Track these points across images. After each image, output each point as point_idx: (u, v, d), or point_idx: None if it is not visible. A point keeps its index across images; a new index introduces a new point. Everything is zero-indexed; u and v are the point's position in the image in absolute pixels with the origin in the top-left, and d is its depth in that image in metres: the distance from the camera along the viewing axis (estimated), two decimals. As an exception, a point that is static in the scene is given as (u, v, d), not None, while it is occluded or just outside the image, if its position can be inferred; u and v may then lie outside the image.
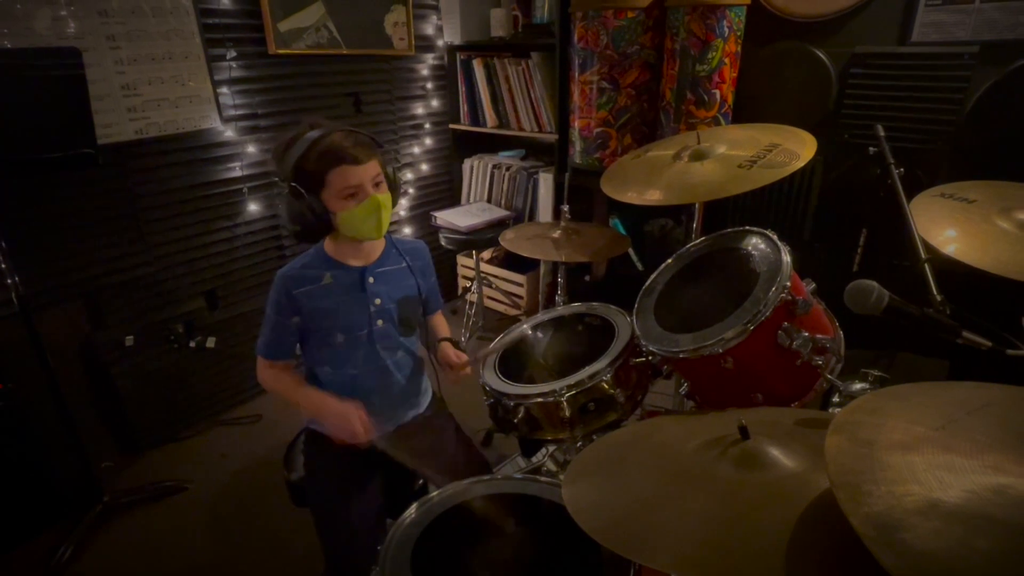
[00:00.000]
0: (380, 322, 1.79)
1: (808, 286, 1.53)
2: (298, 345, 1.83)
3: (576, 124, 3.14)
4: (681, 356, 1.49)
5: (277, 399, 1.84)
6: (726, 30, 2.59)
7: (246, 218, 3.22)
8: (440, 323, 2.05)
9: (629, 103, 2.96)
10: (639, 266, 3.41)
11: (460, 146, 4.35)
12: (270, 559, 2.43)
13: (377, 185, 1.68)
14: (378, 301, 1.78)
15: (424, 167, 4.19)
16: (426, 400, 2.00)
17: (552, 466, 2.23)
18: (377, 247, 1.84)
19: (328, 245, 1.77)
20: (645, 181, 2.03)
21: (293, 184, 1.60)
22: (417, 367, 1.95)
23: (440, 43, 4.02)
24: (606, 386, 1.73)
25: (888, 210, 1.84)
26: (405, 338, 1.88)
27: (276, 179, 1.71)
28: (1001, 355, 1.35)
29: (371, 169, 1.65)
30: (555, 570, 1.34)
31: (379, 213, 1.68)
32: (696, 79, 2.68)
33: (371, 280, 1.78)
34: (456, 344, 1.91)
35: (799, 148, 1.83)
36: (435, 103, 4.13)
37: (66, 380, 2.53)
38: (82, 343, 2.80)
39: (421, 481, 1.99)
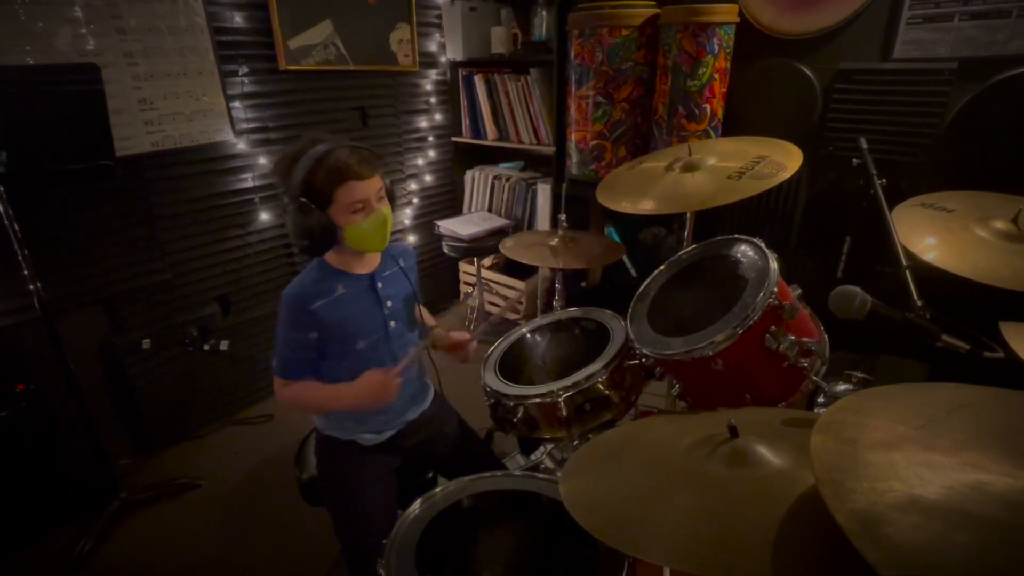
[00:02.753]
0: (393, 323, 1.78)
1: (794, 292, 1.53)
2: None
3: (573, 137, 3.14)
4: (673, 358, 1.50)
5: (303, 413, 1.79)
6: (716, 47, 2.59)
7: (258, 226, 3.22)
8: (425, 314, 2.04)
9: (623, 117, 2.97)
10: (633, 273, 3.42)
11: (462, 158, 4.35)
12: (281, 553, 2.43)
13: (380, 199, 1.67)
14: (389, 304, 1.78)
15: (427, 178, 4.19)
16: (430, 395, 2.00)
17: (550, 463, 2.24)
18: (376, 255, 1.82)
19: (331, 257, 1.74)
20: (639, 191, 2.03)
21: (302, 200, 1.57)
22: (422, 363, 1.94)
23: (443, 59, 4.02)
24: (601, 387, 1.74)
25: (871, 219, 1.85)
26: (412, 334, 1.87)
27: (280, 192, 1.69)
28: (979, 357, 1.35)
29: (375, 184, 1.63)
30: (553, 563, 1.34)
31: (384, 226, 1.67)
32: (687, 94, 2.68)
33: (380, 285, 1.77)
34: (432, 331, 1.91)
35: (786, 160, 1.84)
36: (438, 117, 4.13)
37: (86, 381, 2.52)
38: (101, 346, 2.79)
39: (430, 474, 1.99)
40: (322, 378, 1.76)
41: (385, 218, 1.67)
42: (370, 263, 1.80)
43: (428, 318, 2.03)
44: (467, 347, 1.87)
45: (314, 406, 1.80)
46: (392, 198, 1.74)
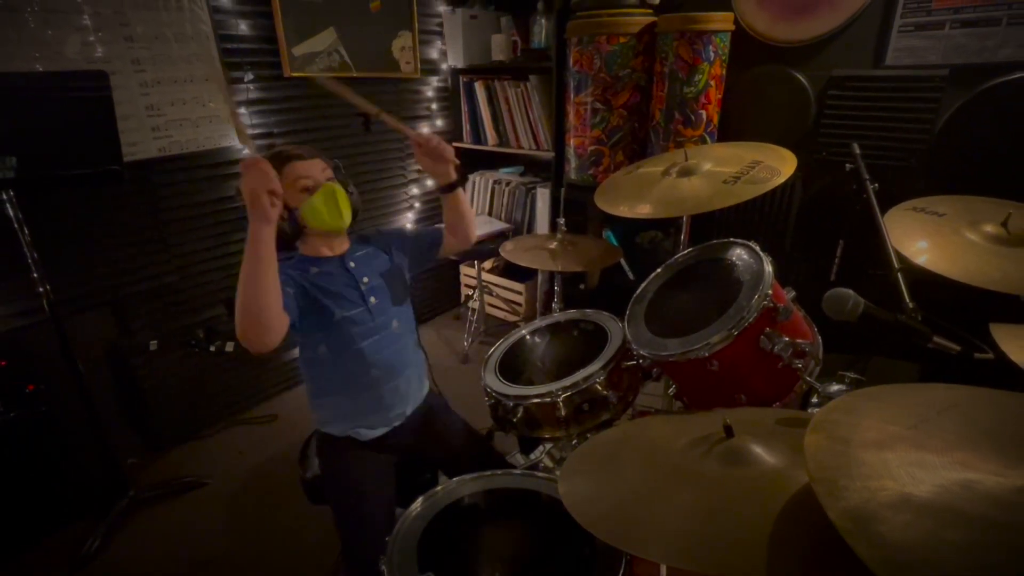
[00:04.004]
0: (374, 299, 1.79)
1: (788, 294, 1.53)
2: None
3: (571, 142, 3.14)
4: (670, 359, 1.50)
5: (244, 309, 1.50)
6: (712, 54, 2.60)
7: (263, 230, 3.22)
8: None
9: (621, 123, 2.97)
10: (630, 275, 3.41)
11: (463, 163, 4.33)
12: (284, 550, 2.43)
13: (329, 179, 1.74)
14: (366, 280, 1.79)
15: (429, 183, 4.18)
16: (424, 392, 1.99)
17: (549, 462, 2.23)
18: (344, 240, 1.86)
19: (303, 248, 1.80)
20: (636, 196, 2.03)
21: None
22: (412, 339, 1.93)
23: (444, 66, 4.03)
24: (599, 387, 1.74)
25: (864, 223, 1.85)
26: (397, 307, 1.86)
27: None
28: (969, 359, 1.35)
29: (318, 164, 1.73)
30: (552, 560, 1.34)
31: (335, 198, 1.71)
32: (684, 100, 2.69)
33: (352, 264, 1.80)
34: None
35: (780, 165, 1.84)
36: (440, 123, 4.14)
37: (94, 382, 2.52)
38: (109, 347, 2.79)
39: (429, 475, 1.99)
40: (307, 345, 1.79)
41: (333, 190, 1.72)
42: (339, 247, 1.83)
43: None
44: (432, 146, 1.86)
45: (249, 287, 1.50)
46: (345, 181, 1.80)
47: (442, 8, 3.86)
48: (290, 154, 1.70)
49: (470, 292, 4.37)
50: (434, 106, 4.07)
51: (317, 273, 1.73)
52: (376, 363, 1.79)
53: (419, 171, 4.09)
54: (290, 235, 1.72)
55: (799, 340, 1.45)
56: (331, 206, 1.71)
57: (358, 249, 1.87)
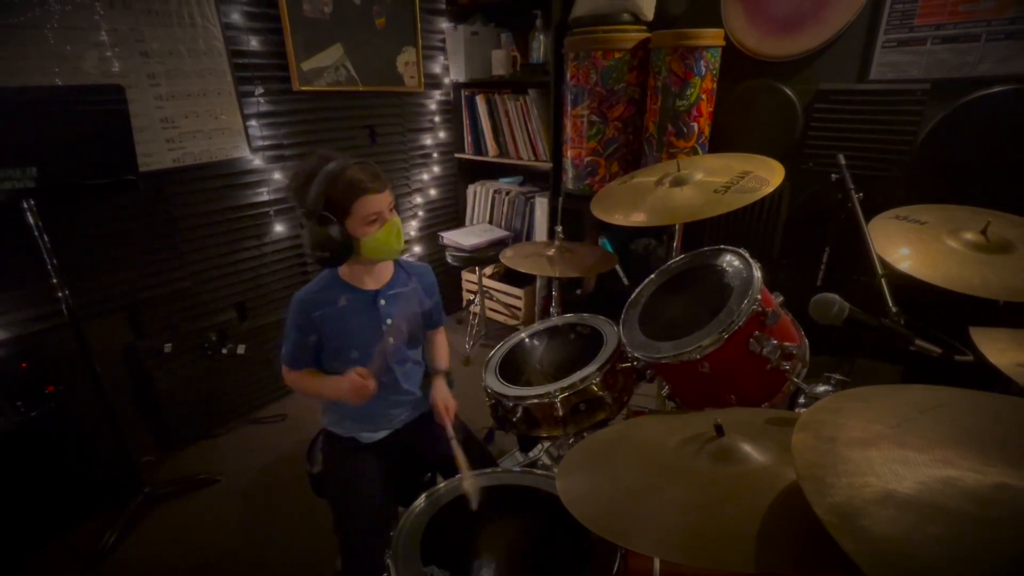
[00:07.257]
0: (392, 339, 1.77)
1: (777, 299, 1.53)
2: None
3: (569, 153, 3.15)
4: (663, 361, 1.50)
5: (300, 395, 1.83)
6: (703, 69, 2.61)
7: (272, 238, 3.23)
8: (440, 343, 2.04)
9: (616, 135, 2.98)
10: (625, 281, 3.41)
11: (465, 173, 4.36)
12: (294, 544, 2.42)
13: (391, 210, 1.69)
14: (389, 321, 1.77)
15: (432, 192, 4.20)
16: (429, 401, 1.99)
17: (547, 460, 2.23)
18: (387, 270, 1.83)
19: (342, 269, 1.77)
20: (631, 205, 2.04)
21: (324, 213, 1.58)
22: (422, 374, 1.95)
23: (447, 81, 4.04)
24: (596, 388, 1.73)
25: (849, 230, 1.85)
26: (412, 351, 1.88)
27: (296, 209, 1.70)
28: (950, 361, 1.36)
29: (387, 197, 1.66)
30: (550, 554, 1.34)
31: (398, 235, 1.69)
32: (676, 113, 2.69)
33: (382, 302, 1.78)
34: (449, 379, 1.91)
35: (769, 175, 1.85)
36: (442, 135, 4.14)
37: (110, 383, 2.52)
38: (125, 350, 2.80)
39: (429, 474, 1.99)
40: (323, 369, 1.82)
41: (398, 227, 1.69)
42: (380, 278, 1.81)
43: (442, 349, 2.03)
44: (443, 418, 1.80)
45: (309, 392, 1.82)
46: (397, 210, 1.75)
47: (444, 25, 3.88)
48: (364, 187, 1.60)
49: (471, 297, 4.38)
50: (437, 119, 4.07)
51: (343, 307, 1.73)
52: (385, 386, 1.80)
53: (422, 181, 4.11)
54: (340, 259, 1.67)
55: (787, 343, 1.45)
56: (392, 243, 1.68)
57: (397, 283, 1.84)
